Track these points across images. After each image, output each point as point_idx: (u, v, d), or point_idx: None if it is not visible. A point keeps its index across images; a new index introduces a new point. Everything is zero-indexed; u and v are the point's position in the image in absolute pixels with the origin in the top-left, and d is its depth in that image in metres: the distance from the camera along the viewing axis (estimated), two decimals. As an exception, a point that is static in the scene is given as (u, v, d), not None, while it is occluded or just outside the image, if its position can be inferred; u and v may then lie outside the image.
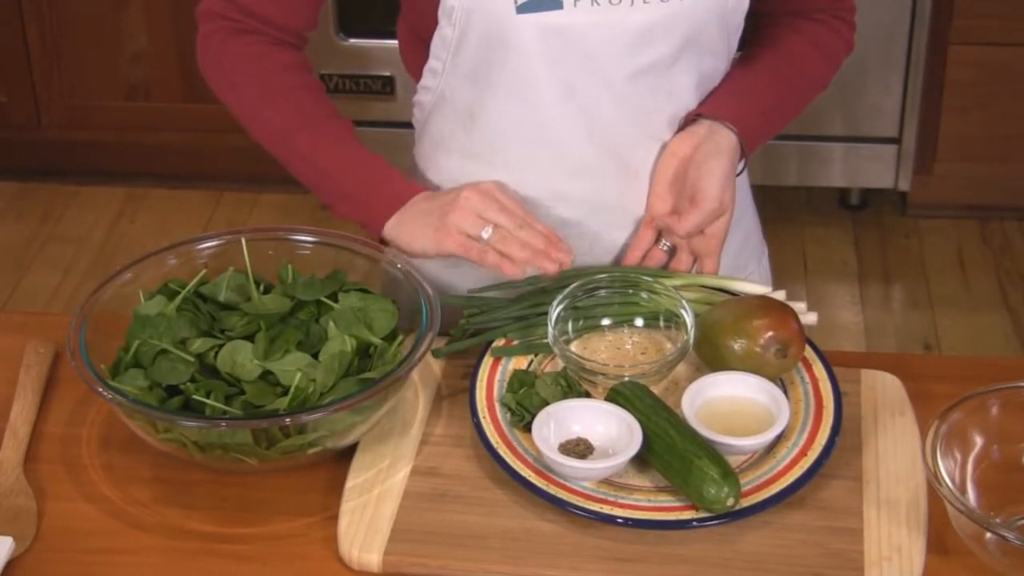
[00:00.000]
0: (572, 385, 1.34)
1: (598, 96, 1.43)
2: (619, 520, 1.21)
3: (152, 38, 3.32)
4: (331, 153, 1.46)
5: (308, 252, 1.45)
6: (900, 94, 3.15)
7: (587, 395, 1.35)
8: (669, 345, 1.41)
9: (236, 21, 1.46)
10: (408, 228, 1.43)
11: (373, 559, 1.21)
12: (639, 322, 1.43)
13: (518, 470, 1.26)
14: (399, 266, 1.41)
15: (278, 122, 1.47)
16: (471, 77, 1.44)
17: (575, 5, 1.38)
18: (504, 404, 1.33)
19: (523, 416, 1.31)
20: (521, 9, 1.37)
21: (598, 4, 1.38)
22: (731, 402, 1.31)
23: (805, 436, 1.29)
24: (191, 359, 1.31)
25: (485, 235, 1.38)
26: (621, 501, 1.23)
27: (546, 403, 1.31)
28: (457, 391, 1.39)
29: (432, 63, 1.46)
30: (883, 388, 1.38)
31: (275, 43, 1.47)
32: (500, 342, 1.40)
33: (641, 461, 1.28)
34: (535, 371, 1.37)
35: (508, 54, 1.40)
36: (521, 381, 1.34)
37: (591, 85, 1.42)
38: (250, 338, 1.33)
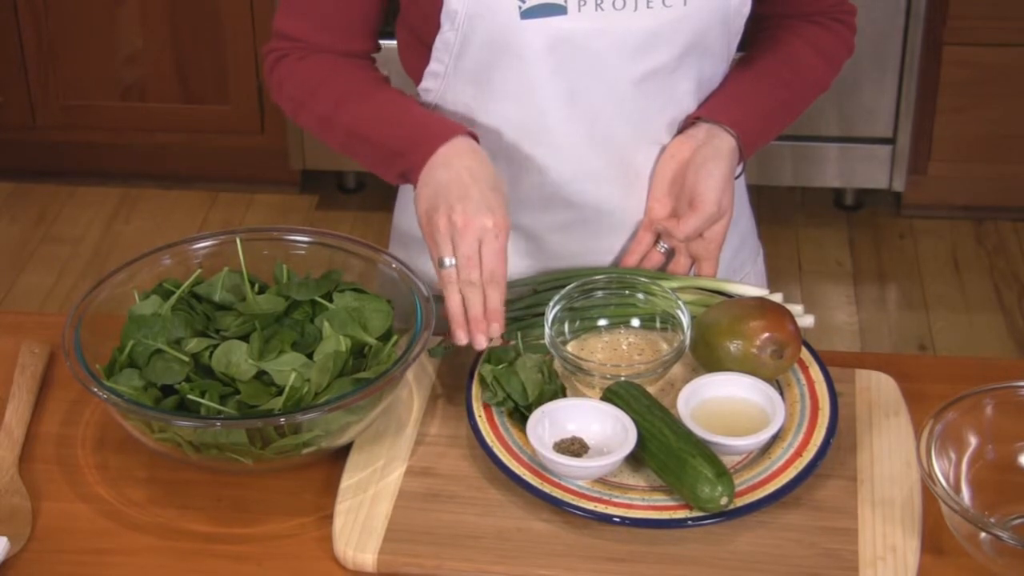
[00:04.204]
0: (552, 377, 1.34)
1: (600, 101, 1.43)
2: (615, 519, 1.22)
3: (147, 39, 3.32)
4: (373, 116, 1.42)
5: (303, 252, 1.45)
6: (895, 94, 3.15)
7: (563, 388, 1.35)
8: (665, 346, 1.41)
9: (297, 49, 1.46)
10: (424, 187, 1.35)
11: (368, 559, 1.21)
12: (635, 323, 1.43)
13: (513, 469, 1.26)
14: (394, 266, 1.41)
15: (327, 110, 1.44)
16: (473, 81, 1.44)
17: (579, 11, 1.37)
18: (480, 375, 1.33)
19: (496, 392, 1.31)
20: (525, 14, 1.37)
21: (602, 9, 1.38)
22: (726, 402, 1.32)
23: (800, 437, 1.29)
24: (186, 359, 1.31)
25: (446, 262, 1.32)
26: (616, 500, 1.23)
27: (523, 385, 1.31)
28: (452, 391, 1.39)
29: (433, 66, 1.45)
30: (878, 388, 1.38)
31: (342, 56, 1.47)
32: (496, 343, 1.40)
33: (636, 460, 1.28)
34: (517, 347, 1.37)
35: (511, 59, 1.40)
36: (499, 358, 1.34)
37: (594, 90, 1.42)
38: (245, 338, 1.33)
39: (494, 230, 1.32)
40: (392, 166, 1.41)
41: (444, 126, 1.39)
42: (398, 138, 1.39)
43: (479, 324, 1.32)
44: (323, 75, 1.45)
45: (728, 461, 1.26)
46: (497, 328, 1.33)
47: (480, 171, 1.35)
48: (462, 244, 1.32)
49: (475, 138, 1.39)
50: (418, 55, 1.47)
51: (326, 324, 1.34)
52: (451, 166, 1.35)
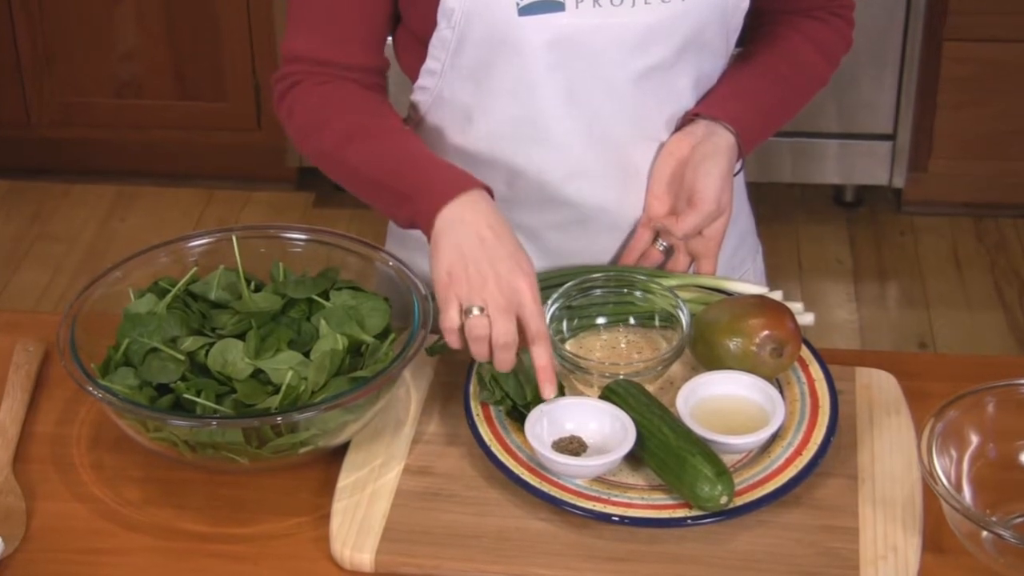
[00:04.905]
0: None
1: (599, 98, 1.42)
2: (614, 518, 1.21)
3: (143, 35, 3.32)
4: (381, 158, 1.39)
5: (300, 250, 1.45)
6: (895, 90, 3.15)
7: (561, 387, 1.34)
8: (664, 344, 1.41)
9: (307, 74, 1.43)
10: (444, 246, 1.30)
11: (365, 559, 1.21)
12: (634, 321, 1.43)
13: (511, 468, 1.26)
14: (391, 264, 1.41)
15: (330, 145, 1.41)
16: (471, 78, 1.43)
17: (577, 7, 1.37)
18: (478, 374, 1.32)
19: (494, 391, 1.31)
20: (523, 11, 1.37)
21: (600, 5, 1.37)
22: (726, 401, 1.31)
23: (801, 435, 1.29)
24: (182, 358, 1.31)
25: (475, 310, 1.26)
26: (615, 499, 1.23)
27: (521, 384, 1.30)
28: (450, 389, 1.38)
29: (430, 63, 1.45)
30: (878, 386, 1.38)
31: (353, 83, 1.44)
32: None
33: (635, 459, 1.28)
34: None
35: (509, 56, 1.40)
36: None
37: (592, 87, 1.42)
38: (241, 336, 1.33)
39: (530, 292, 1.27)
40: (400, 210, 1.36)
41: (457, 176, 1.35)
42: (407, 183, 1.35)
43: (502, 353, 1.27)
44: (333, 108, 1.42)
45: (728, 460, 1.26)
46: (551, 388, 1.28)
47: (502, 229, 1.31)
48: (498, 298, 1.26)
49: (489, 191, 1.34)
50: (414, 52, 1.46)
51: (323, 322, 1.34)
52: (469, 223, 1.30)
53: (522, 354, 1.34)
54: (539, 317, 1.28)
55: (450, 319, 1.28)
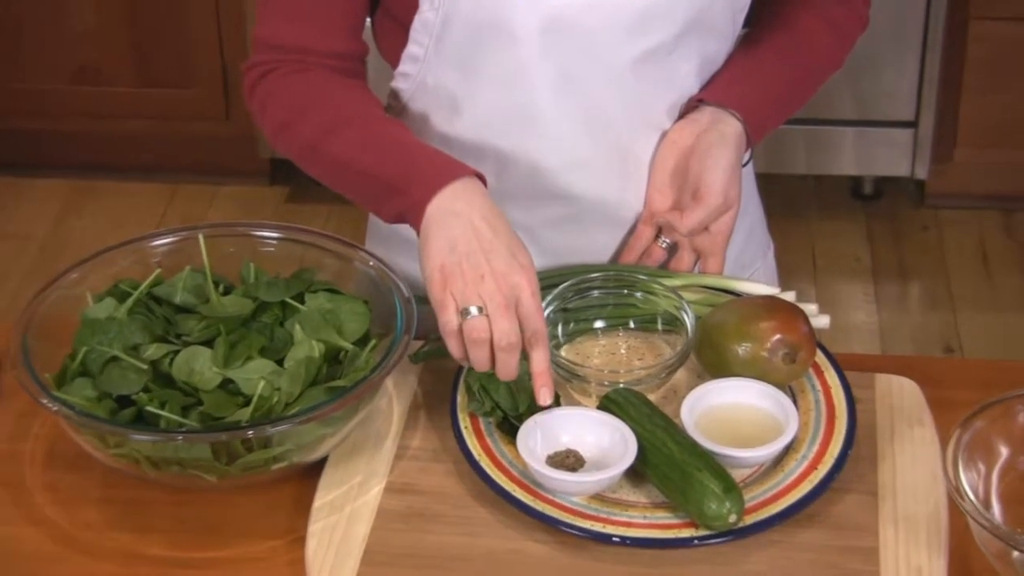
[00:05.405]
0: None
1: (595, 84, 1.43)
2: (614, 539, 1.22)
3: (102, 15, 3.32)
4: (366, 148, 1.38)
5: (272, 249, 1.45)
6: (916, 74, 3.16)
7: (556, 396, 1.34)
8: (668, 349, 1.41)
9: (280, 62, 1.43)
10: (435, 239, 1.29)
11: (345, 584, 1.21)
12: (634, 325, 1.43)
13: (502, 485, 1.26)
14: (372, 264, 1.41)
15: (311, 135, 1.41)
16: (456, 64, 1.43)
17: None
18: (466, 383, 1.33)
19: (483, 402, 1.31)
20: None
21: None
22: (735, 410, 1.32)
23: (816, 448, 1.29)
24: (144, 367, 1.31)
25: (472, 311, 1.25)
26: (614, 518, 1.23)
27: (512, 393, 1.30)
28: (436, 400, 1.39)
29: (412, 49, 1.45)
30: (900, 394, 1.39)
31: (331, 71, 1.44)
32: (482, 346, 1.40)
33: (636, 475, 1.28)
34: None
35: (497, 39, 1.40)
36: None
37: (588, 72, 1.42)
38: (209, 343, 1.33)
39: (529, 288, 1.27)
40: (386, 203, 1.36)
41: (447, 163, 1.35)
42: (394, 173, 1.35)
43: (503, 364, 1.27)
44: (312, 97, 1.42)
45: (737, 475, 1.26)
46: (548, 393, 1.28)
47: (496, 221, 1.30)
48: (496, 295, 1.25)
49: (482, 179, 1.34)
50: (395, 37, 1.46)
51: (297, 328, 1.34)
52: (461, 214, 1.30)
53: (516, 360, 1.34)
54: (538, 315, 1.27)
55: (448, 322, 1.27)
